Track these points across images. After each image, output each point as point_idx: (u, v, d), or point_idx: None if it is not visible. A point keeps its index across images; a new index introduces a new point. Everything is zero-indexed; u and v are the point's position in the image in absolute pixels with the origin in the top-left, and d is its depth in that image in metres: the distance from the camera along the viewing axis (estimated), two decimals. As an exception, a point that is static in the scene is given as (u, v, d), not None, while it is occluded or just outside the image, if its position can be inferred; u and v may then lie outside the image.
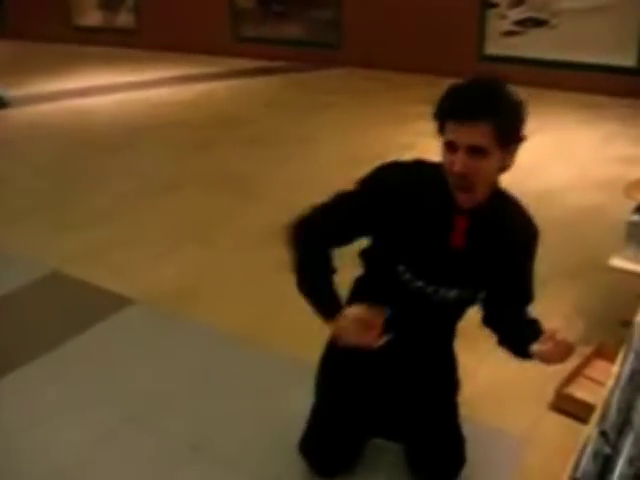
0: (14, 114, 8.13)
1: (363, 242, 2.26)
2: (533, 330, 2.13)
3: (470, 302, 2.31)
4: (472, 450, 2.52)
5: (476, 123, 1.90)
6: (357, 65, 9.23)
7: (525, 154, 6.65)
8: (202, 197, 5.33)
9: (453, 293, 2.20)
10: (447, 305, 2.24)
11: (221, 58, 10.30)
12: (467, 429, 2.58)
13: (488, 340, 3.31)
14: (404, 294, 2.19)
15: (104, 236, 4.66)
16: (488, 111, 1.91)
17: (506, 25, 8.21)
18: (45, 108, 8.29)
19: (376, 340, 2.05)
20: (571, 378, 2.96)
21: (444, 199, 2.03)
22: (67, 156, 6.50)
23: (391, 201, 2.08)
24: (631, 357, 1.94)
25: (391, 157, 5.83)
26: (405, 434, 2.55)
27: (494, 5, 8.20)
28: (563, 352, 2.02)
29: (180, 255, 4.36)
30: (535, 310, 3.63)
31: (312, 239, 2.15)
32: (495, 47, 8.33)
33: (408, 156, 6.36)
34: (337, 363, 2.46)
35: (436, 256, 2.13)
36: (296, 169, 5.78)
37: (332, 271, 2.18)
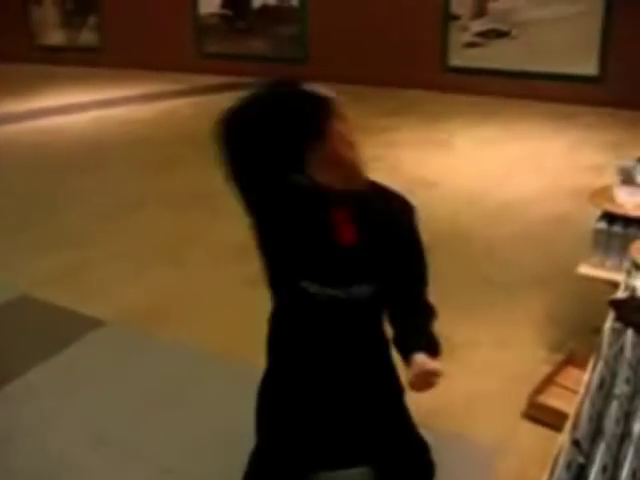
0: (-21, 136, 8.05)
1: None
2: (419, 339, 2.10)
3: (383, 297, 2.19)
4: (445, 461, 2.53)
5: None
6: (323, 79, 9.16)
7: (494, 164, 6.71)
8: (170, 215, 5.31)
9: (365, 289, 2.08)
10: (364, 304, 2.12)
11: (186, 75, 10.28)
12: (439, 439, 2.59)
13: (460, 351, 3.36)
14: (320, 308, 2.10)
15: (73, 258, 4.62)
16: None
17: (468, 37, 8.30)
18: (11, 129, 8.23)
19: None
20: (543, 386, 2.99)
21: (315, 196, 1.98)
22: (35, 177, 6.45)
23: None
24: (600, 365, 1.96)
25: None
26: (364, 456, 2.44)
27: (456, 17, 8.29)
28: (424, 382, 1.97)
29: (151, 274, 4.34)
30: (507, 319, 3.69)
31: None
32: (458, 58, 8.41)
33: (378, 168, 6.41)
34: (274, 395, 2.37)
35: (330, 257, 2.05)
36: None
37: None
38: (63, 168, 6.66)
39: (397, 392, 2.42)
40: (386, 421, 2.39)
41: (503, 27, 8.03)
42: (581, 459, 1.65)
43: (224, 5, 10.16)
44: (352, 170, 1.99)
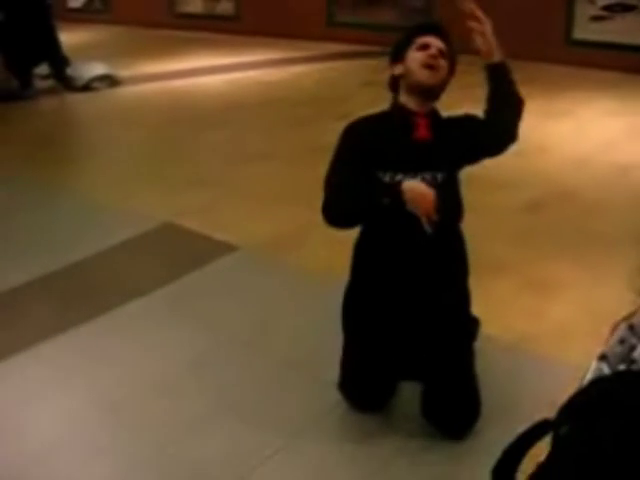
0: (124, 91, 8.76)
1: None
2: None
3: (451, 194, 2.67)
4: (524, 375, 2.84)
5: (441, 38, 2.67)
6: (447, 50, 9.47)
7: (609, 133, 6.87)
8: (293, 166, 5.74)
9: (429, 176, 2.59)
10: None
11: (316, 43, 10.67)
12: (526, 358, 2.90)
13: (558, 288, 3.66)
14: (397, 218, 2.50)
15: (207, 196, 5.16)
16: (446, 37, 2.71)
17: (594, 10, 8.33)
18: (151, 87, 8.89)
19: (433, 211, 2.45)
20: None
21: (403, 113, 2.69)
22: (171, 129, 7.05)
23: (364, 135, 2.71)
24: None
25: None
26: (423, 375, 2.69)
27: (583, -10, 8.35)
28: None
29: (275, 211, 4.79)
30: (604, 265, 3.93)
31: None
32: (583, 32, 8.46)
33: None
34: (357, 302, 2.75)
35: (408, 149, 2.62)
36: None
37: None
38: (197, 122, 7.23)
39: (464, 325, 2.76)
40: (447, 349, 2.66)
41: (630, 0, 8.03)
42: (634, 340, 1.95)
43: (355, -25, 10.53)
44: (433, 63, 2.64)
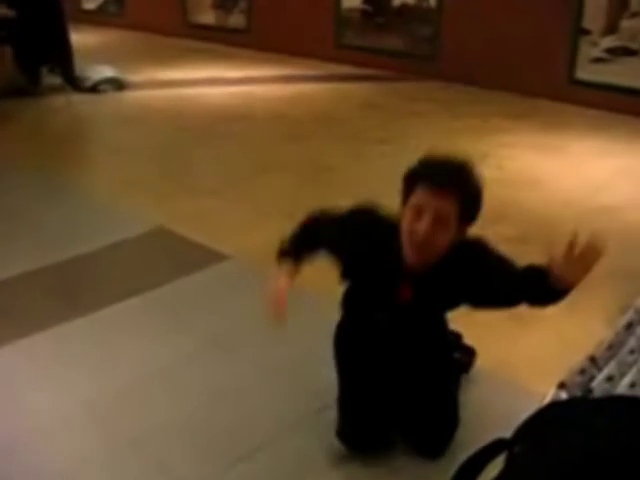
0: (130, 96, 8.91)
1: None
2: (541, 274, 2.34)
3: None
4: (500, 405, 2.97)
5: (447, 194, 2.19)
6: (451, 79, 9.63)
7: (599, 172, 7.00)
8: (291, 181, 5.87)
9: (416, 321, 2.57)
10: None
11: (323, 63, 10.82)
12: (496, 384, 3.02)
13: (533, 319, 3.77)
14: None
15: (205, 204, 5.30)
16: (458, 189, 2.21)
17: (597, 52, 8.50)
18: (157, 93, 9.05)
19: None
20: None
21: (394, 260, 2.36)
22: (174, 135, 7.22)
23: (355, 249, 2.55)
24: (630, 310, 2.37)
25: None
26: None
27: (586, 32, 8.50)
28: (580, 261, 2.18)
29: (268, 223, 4.89)
30: (578, 299, 4.04)
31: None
32: (585, 72, 8.62)
33: (486, 164, 6.91)
34: (345, 345, 2.81)
35: (389, 306, 2.53)
36: (378, 166, 6.24)
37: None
38: (200, 131, 7.38)
39: (447, 367, 2.85)
40: (430, 386, 2.75)
41: (632, 45, 8.20)
42: (594, 371, 2.08)
43: (366, 1, 10.69)
44: (418, 245, 2.27)
